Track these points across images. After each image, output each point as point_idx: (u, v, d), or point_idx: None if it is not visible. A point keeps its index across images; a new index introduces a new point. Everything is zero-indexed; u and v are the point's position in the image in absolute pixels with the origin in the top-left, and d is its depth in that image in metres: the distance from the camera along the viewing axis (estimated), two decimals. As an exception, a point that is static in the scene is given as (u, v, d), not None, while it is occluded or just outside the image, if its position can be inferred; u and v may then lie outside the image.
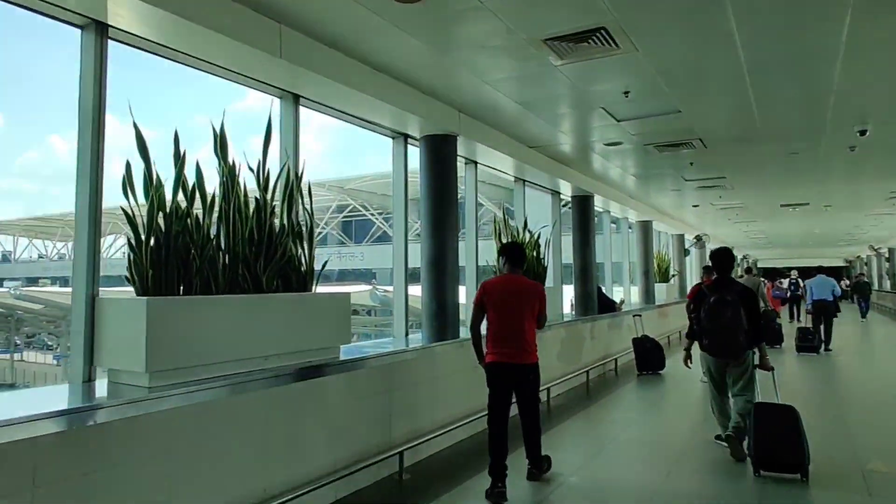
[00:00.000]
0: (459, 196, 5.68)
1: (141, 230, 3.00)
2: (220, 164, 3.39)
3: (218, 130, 3.36)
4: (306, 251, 3.85)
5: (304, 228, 3.87)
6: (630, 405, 7.05)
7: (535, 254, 7.06)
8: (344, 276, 29.51)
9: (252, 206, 3.53)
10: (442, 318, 5.32)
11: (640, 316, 9.69)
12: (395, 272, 5.46)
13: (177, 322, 2.90)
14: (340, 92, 4.31)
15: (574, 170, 8.57)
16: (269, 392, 3.32)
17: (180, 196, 3.18)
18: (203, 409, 2.96)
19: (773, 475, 4.08)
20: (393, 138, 5.56)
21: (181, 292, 3.07)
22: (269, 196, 3.61)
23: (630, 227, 13.53)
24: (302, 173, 4.04)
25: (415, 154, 5.58)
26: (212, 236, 3.29)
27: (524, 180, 8.10)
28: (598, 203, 10.27)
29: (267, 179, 3.60)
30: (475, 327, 4.09)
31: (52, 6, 2.96)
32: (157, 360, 2.80)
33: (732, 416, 4.56)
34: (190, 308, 2.99)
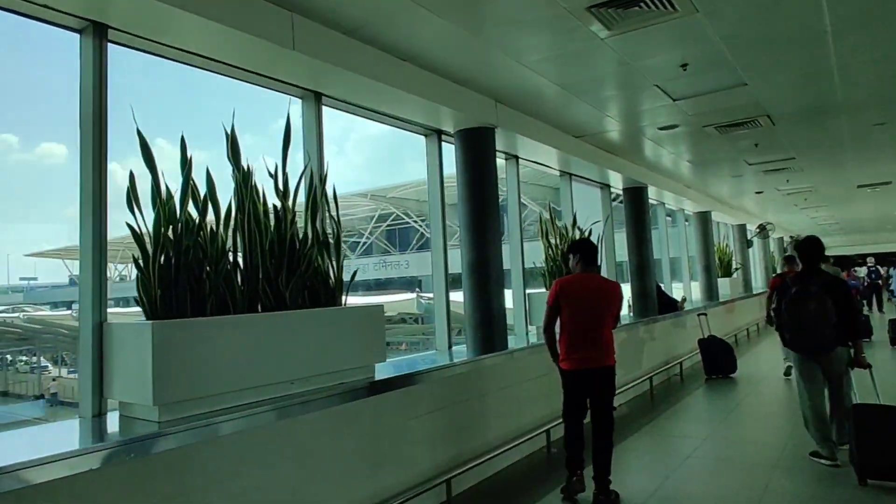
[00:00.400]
0: (500, 196, 5.24)
1: (148, 247, 2.71)
2: (232, 169, 3.08)
3: (228, 132, 3.06)
4: (334, 262, 3.50)
5: (330, 237, 3.53)
6: (701, 416, 6.42)
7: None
8: (389, 285, 29.47)
9: (272, 214, 3.21)
10: (487, 328, 4.88)
11: (705, 315, 8.98)
12: (434, 279, 5.07)
13: (188, 347, 2.58)
14: (364, 86, 3.95)
15: (624, 159, 7.99)
16: (297, 421, 2.97)
17: (190, 207, 2.88)
18: (219, 443, 2.63)
19: (881, 484, 3.60)
20: (426, 136, 5.18)
21: (194, 313, 2.76)
22: (289, 203, 3.28)
23: (686, 220, 12.74)
24: (325, 177, 3.70)
25: (450, 152, 5.18)
26: (227, 250, 2.97)
27: (570, 174, 7.58)
28: (652, 194, 9.60)
29: (286, 185, 3.27)
30: (549, 328, 3.91)
31: (46, 9, 2.71)
32: (165, 392, 2.48)
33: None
34: (202, 330, 2.67)
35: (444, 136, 5.16)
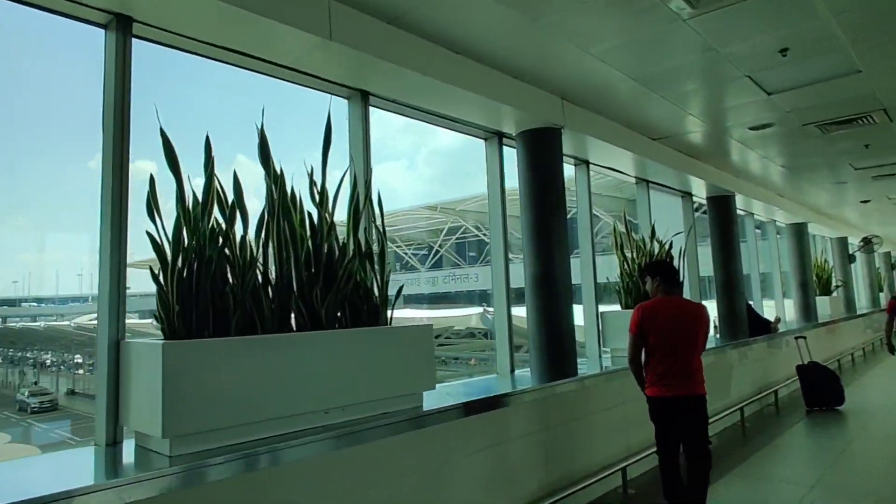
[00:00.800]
0: (570, 208, 4.74)
1: (169, 257, 2.45)
2: (265, 172, 2.79)
3: (258, 130, 2.78)
4: (378, 276, 3.15)
5: (374, 249, 3.18)
6: (804, 456, 5.58)
7: (666, 267, 5.91)
8: (458, 298, 29.27)
9: (308, 223, 2.90)
10: (554, 349, 4.37)
11: (804, 338, 7.99)
12: (494, 295, 4.62)
13: (205, 371, 2.28)
14: (413, 83, 3.60)
15: (708, 165, 7.25)
16: (330, 457, 2.61)
17: (217, 215, 2.61)
18: (238, 482, 2.30)
19: None
20: (485, 139, 4.77)
21: (217, 332, 2.47)
22: (328, 211, 2.96)
23: (778, 232, 11.62)
24: (369, 182, 3.37)
25: (512, 157, 4.75)
26: (256, 261, 2.68)
27: (647, 181, 6.94)
28: (739, 204, 8.74)
29: (324, 191, 2.96)
30: (635, 359, 3.71)
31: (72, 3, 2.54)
32: (178, 422, 2.18)
33: None
34: (222, 352, 2.36)
35: (504, 140, 4.75)
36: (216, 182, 2.60)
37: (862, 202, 11.05)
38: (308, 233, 2.88)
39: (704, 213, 8.35)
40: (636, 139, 5.67)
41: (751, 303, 8.71)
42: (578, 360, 4.62)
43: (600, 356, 5.58)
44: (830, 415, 7.01)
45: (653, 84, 4.53)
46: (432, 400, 3.22)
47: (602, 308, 5.68)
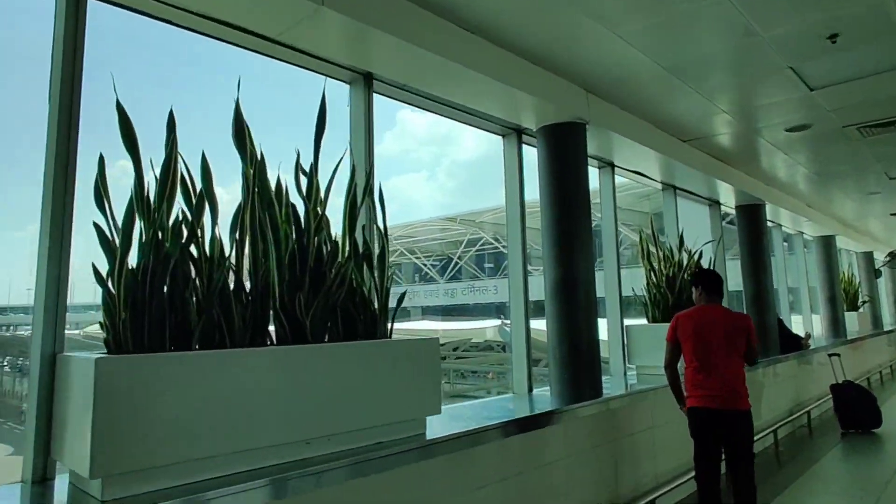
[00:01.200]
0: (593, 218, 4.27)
1: (119, 252, 2.01)
2: (240, 155, 2.36)
3: (233, 109, 2.35)
4: (377, 282, 2.70)
5: (373, 250, 2.74)
6: (847, 487, 5.03)
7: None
8: (476, 311, 28.96)
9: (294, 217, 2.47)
10: (575, 366, 3.88)
11: (838, 355, 7.44)
12: (512, 307, 4.16)
13: (153, 394, 1.83)
14: (423, 63, 3.16)
15: (739, 170, 6.76)
16: (307, 498, 2.14)
17: (182, 203, 2.18)
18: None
19: None
20: (503, 135, 4.33)
21: (176, 345, 2.03)
22: (320, 204, 2.53)
23: (805, 245, 11.06)
24: (370, 175, 2.93)
25: (532, 163, 4.30)
26: (228, 262, 2.24)
27: (675, 187, 6.47)
28: (768, 214, 8.21)
29: (313, 182, 2.52)
30: (671, 366, 3.65)
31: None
32: (112, 458, 1.73)
33: None
34: (175, 370, 1.91)
35: (525, 136, 4.30)
36: (181, 164, 2.17)
37: (892, 214, 10.49)
38: (293, 229, 2.45)
39: (730, 223, 7.86)
40: (664, 140, 5.20)
41: (781, 318, 8.18)
42: (603, 378, 4.13)
43: (625, 374, 5.09)
44: (867, 438, 6.48)
45: (685, 74, 4.07)
46: (437, 426, 2.76)
47: (627, 322, 5.20)
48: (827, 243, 10.91)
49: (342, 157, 2.69)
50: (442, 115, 3.83)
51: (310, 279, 2.42)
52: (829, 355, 7.53)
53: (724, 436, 3.42)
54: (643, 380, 4.82)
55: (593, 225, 4.19)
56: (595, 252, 4.16)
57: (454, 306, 31.28)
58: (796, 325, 9.96)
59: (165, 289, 2.03)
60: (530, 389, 4.02)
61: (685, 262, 5.40)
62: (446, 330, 18.07)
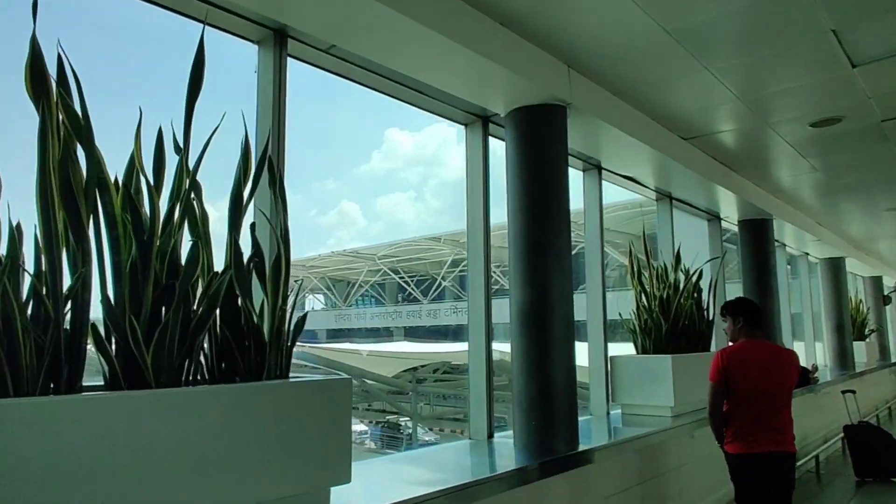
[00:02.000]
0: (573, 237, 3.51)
1: None
2: (32, 101, 1.60)
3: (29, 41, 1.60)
4: (269, 298, 1.95)
5: (266, 257, 2.00)
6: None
7: (692, 303, 4.70)
8: (461, 332, 28.41)
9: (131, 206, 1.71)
10: (547, 411, 3.07)
11: (853, 392, 6.69)
12: (471, 332, 3.40)
13: None
14: (351, 13, 2.42)
15: (745, 178, 6.01)
16: None
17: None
18: None
19: None
20: (465, 124, 3.61)
21: None
22: (181, 194, 1.77)
23: (810, 269, 10.35)
24: (265, 156, 2.18)
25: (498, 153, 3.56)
26: (19, 262, 1.48)
27: (671, 197, 5.76)
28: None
29: (161, 161, 1.76)
30: (716, 413, 3.37)
31: None
32: None
33: None
34: None
35: (491, 127, 3.58)
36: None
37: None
38: (130, 222, 1.68)
39: (727, 241, 7.15)
40: (662, 135, 4.45)
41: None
42: (580, 419, 3.35)
43: (608, 413, 4.32)
44: (886, 489, 5.71)
45: (695, 42, 3.23)
46: (344, 500, 1.98)
47: (613, 350, 4.44)
48: (835, 266, 10.19)
49: (217, 127, 1.93)
50: (386, 93, 3.09)
51: (153, 297, 1.66)
52: (843, 393, 6.78)
53: (769, 480, 3.26)
54: (629, 421, 4.07)
55: (573, 248, 3.43)
56: (574, 270, 3.40)
57: (437, 328, 30.68)
58: (799, 356, 9.22)
59: None
60: (490, 435, 3.25)
61: (682, 284, 4.67)
62: (426, 352, 17.33)
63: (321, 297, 38.63)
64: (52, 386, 1.47)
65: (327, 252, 36.40)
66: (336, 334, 33.55)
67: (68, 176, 1.54)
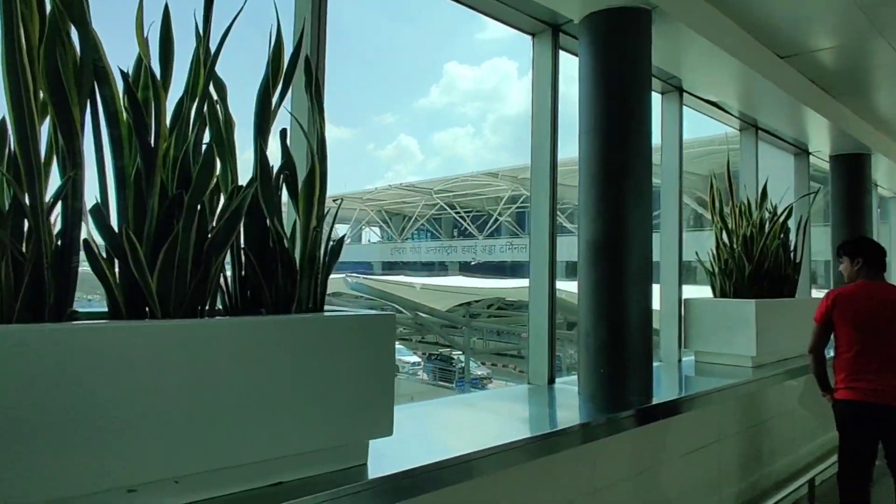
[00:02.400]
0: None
1: None
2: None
3: None
4: (302, 218, 1.68)
5: (297, 169, 1.71)
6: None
7: (779, 244, 4.20)
8: (514, 269, 28.32)
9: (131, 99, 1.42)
10: (617, 354, 2.75)
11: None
12: (532, 268, 3.08)
13: None
14: None
15: (842, 104, 5.29)
16: None
17: None
18: None
19: None
20: (533, 34, 3.15)
21: None
22: (195, 91, 1.47)
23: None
24: (299, 50, 1.83)
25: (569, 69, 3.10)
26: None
27: (757, 126, 5.14)
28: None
29: (169, 48, 1.46)
30: (818, 350, 3.30)
31: None
32: None
33: None
34: None
35: (562, 33, 3.12)
36: None
37: None
38: (132, 120, 1.40)
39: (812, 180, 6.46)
40: (755, 50, 3.85)
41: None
42: (654, 380, 3.01)
43: (679, 362, 3.96)
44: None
45: None
46: (388, 455, 1.74)
47: (687, 293, 4.03)
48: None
49: (240, 11, 1.61)
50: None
51: (160, 212, 1.39)
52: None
53: (884, 434, 3.11)
54: (703, 370, 3.71)
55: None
56: (654, 201, 2.98)
57: (492, 264, 30.67)
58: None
59: None
60: (551, 381, 2.97)
61: (767, 223, 4.17)
62: (482, 287, 17.19)
63: (377, 230, 39.12)
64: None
65: (384, 185, 36.59)
66: (391, 267, 34.11)
67: (56, 62, 1.24)
